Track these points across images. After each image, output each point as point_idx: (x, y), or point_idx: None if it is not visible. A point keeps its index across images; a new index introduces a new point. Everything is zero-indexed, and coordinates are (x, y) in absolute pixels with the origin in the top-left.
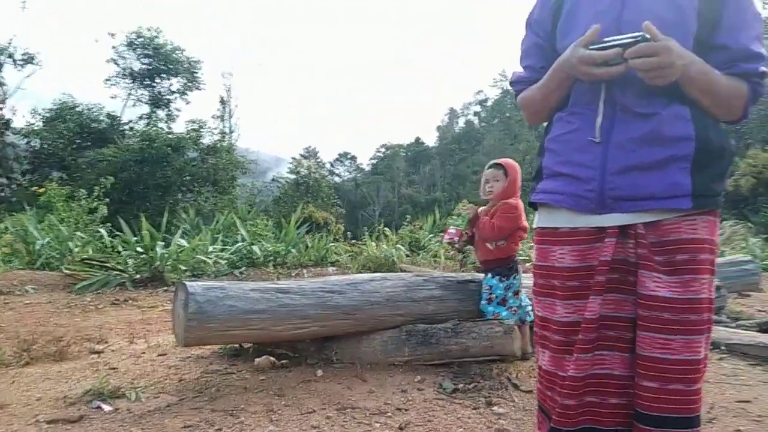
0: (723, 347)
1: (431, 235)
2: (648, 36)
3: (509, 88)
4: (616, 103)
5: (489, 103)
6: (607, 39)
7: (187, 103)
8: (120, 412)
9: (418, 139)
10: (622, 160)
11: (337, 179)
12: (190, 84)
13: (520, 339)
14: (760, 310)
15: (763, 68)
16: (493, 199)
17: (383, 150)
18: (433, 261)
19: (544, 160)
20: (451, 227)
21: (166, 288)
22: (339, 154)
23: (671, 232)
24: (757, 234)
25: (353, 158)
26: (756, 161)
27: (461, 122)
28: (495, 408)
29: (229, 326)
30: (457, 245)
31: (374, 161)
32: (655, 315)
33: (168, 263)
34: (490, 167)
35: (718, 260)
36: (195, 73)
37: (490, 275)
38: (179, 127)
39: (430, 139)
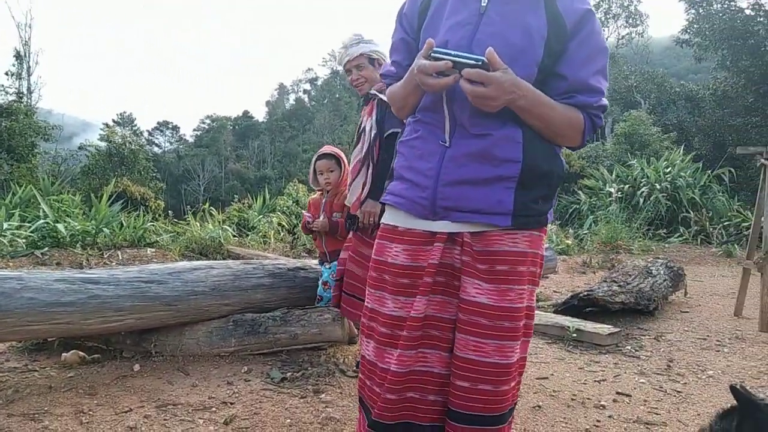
0: None
1: (260, 216)
2: (487, 62)
3: (339, 68)
4: (456, 119)
5: (319, 83)
6: (453, 52)
7: None
8: None
9: (246, 113)
10: (455, 174)
11: (156, 150)
12: None
13: (348, 325)
14: (555, 291)
15: (601, 102)
16: (332, 189)
17: (209, 121)
18: (263, 243)
19: (396, 161)
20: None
21: None
22: (159, 123)
23: (494, 243)
24: (553, 221)
25: (175, 128)
26: None
27: (291, 99)
28: (322, 396)
29: (30, 321)
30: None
31: (198, 132)
32: (472, 319)
33: None
34: (321, 158)
35: None
36: None
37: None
38: None
39: (259, 114)
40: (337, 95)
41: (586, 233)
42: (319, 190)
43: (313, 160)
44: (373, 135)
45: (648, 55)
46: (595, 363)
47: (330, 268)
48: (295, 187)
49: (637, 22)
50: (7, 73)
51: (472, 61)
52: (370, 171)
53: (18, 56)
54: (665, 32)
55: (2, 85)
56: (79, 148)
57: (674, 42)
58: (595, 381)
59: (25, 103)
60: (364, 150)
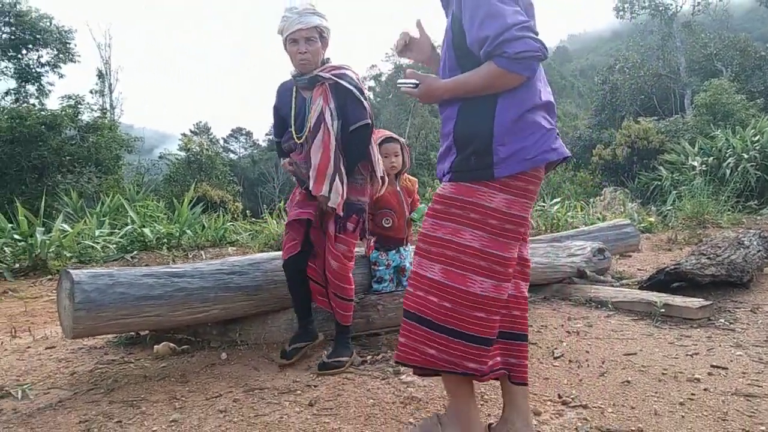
0: (610, 305)
1: None
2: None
3: (402, 62)
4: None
5: (383, 78)
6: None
7: (61, 77)
8: (4, 413)
9: None
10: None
11: (232, 156)
12: (62, 56)
13: None
14: (640, 269)
15: (496, 42)
16: (397, 171)
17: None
18: None
19: None
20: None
21: (50, 277)
22: (233, 130)
23: (443, 189)
24: (634, 199)
25: (249, 134)
26: (629, 132)
27: None
28: (402, 377)
29: (123, 314)
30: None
31: (271, 137)
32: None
33: (50, 250)
34: (387, 142)
35: (601, 224)
36: (67, 43)
37: (409, 247)
38: (53, 104)
39: None
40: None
41: (669, 209)
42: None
43: (376, 143)
44: (335, 126)
45: (728, 19)
46: (686, 337)
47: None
48: None
49: None
50: (91, 91)
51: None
52: (344, 168)
53: (100, 75)
54: None
55: (88, 103)
56: (159, 157)
57: (758, 2)
58: (687, 355)
59: (108, 118)
60: (333, 143)
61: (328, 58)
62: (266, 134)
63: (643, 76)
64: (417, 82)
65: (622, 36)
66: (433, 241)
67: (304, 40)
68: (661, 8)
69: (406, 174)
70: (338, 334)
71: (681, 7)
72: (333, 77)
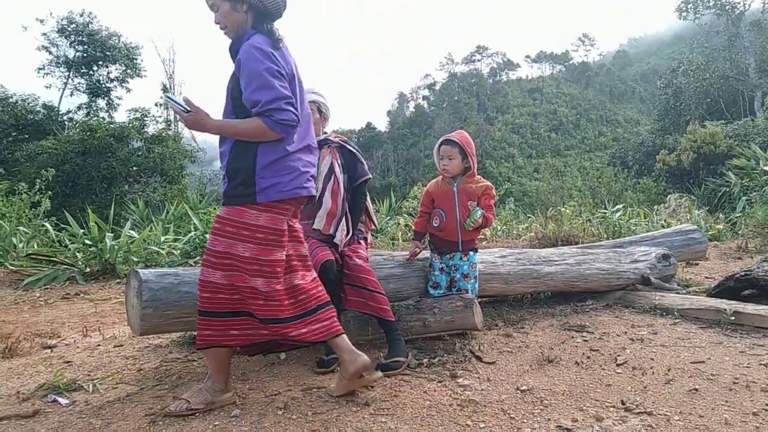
0: (676, 313)
1: (388, 218)
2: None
3: (456, 71)
4: None
5: (437, 87)
6: (173, 98)
7: (128, 91)
8: (77, 404)
9: (369, 124)
10: None
11: None
12: (129, 71)
13: (481, 312)
14: (708, 277)
15: (266, 107)
16: (450, 175)
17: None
18: (392, 243)
19: None
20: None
21: (118, 280)
22: None
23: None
24: (701, 207)
25: None
26: (695, 137)
27: (411, 106)
28: (459, 380)
29: (187, 312)
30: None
31: None
32: None
33: (119, 255)
34: (445, 143)
35: (666, 230)
36: (134, 59)
37: (471, 253)
38: (121, 117)
39: (381, 124)
40: (456, 98)
41: (738, 216)
42: (443, 176)
43: (438, 143)
44: (343, 179)
45: None
46: (759, 347)
47: (468, 259)
48: (420, 190)
49: None
50: (156, 104)
51: (179, 106)
52: (347, 214)
53: (164, 89)
54: None
55: (153, 116)
56: (220, 168)
57: None
58: (760, 364)
59: (173, 130)
60: (342, 191)
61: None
62: None
63: (709, 79)
64: (189, 109)
65: (685, 38)
66: (215, 254)
67: (317, 112)
68: (727, 7)
69: (477, 177)
70: (388, 333)
71: (749, 5)
72: (340, 142)
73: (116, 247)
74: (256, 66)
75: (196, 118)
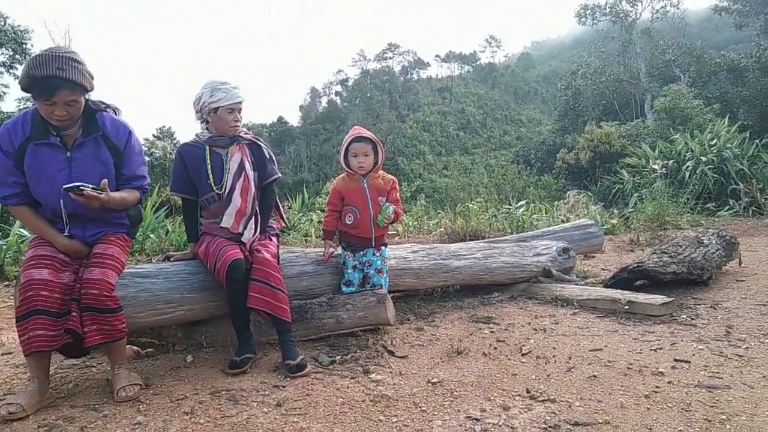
0: (575, 303)
1: (301, 214)
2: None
3: (368, 68)
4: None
5: (350, 83)
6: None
7: (17, 78)
8: None
9: (281, 119)
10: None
11: None
12: (18, 57)
13: (393, 307)
14: (604, 269)
15: (144, 183)
16: (365, 172)
17: (245, 130)
18: (305, 240)
19: None
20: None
21: (7, 282)
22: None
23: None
24: (597, 202)
25: None
26: (592, 136)
27: (324, 102)
28: (372, 375)
29: None
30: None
31: None
32: None
33: (7, 255)
34: (357, 140)
35: (566, 225)
36: (24, 44)
37: (383, 248)
38: (9, 106)
39: (294, 119)
40: (368, 94)
41: (631, 211)
42: (350, 173)
43: (348, 140)
44: (254, 177)
45: (684, 27)
46: (650, 333)
47: (380, 254)
48: None
49: None
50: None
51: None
52: (257, 213)
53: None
54: (702, 4)
55: None
56: None
57: (713, 11)
58: (651, 350)
59: None
60: (252, 189)
61: None
62: None
63: (605, 82)
64: (101, 196)
65: (584, 42)
66: None
67: (238, 111)
68: (621, 15)
69: (380, 172)
70: (282, 334)
71: (640, 14)
72: (251, 139)
73: (4, 247)
74: (139, 148)
75: (102, 205)
